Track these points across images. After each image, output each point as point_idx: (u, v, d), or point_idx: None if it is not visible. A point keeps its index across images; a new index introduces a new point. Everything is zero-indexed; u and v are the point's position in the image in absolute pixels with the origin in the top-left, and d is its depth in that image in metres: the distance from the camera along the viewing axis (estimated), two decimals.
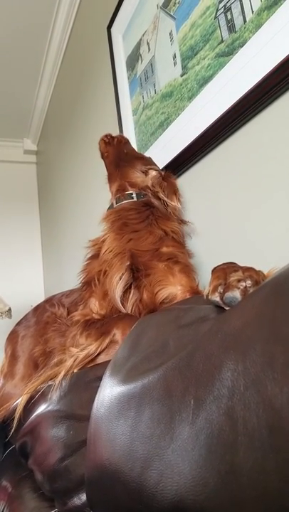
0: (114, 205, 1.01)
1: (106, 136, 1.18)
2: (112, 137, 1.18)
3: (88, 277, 0.92)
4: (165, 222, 0.95)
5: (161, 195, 1.01)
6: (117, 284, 0.82)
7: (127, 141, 1.20)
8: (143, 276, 0.82)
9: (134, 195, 1.01)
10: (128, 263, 0.84)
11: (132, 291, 0.82)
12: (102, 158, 1.18)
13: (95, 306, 0.86)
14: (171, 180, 1.07)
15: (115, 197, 1.04)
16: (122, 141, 1.18)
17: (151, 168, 1.08)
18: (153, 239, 0.89)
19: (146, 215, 0.95)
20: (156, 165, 1.15)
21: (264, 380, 0.30)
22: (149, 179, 1.03)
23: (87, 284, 0.91)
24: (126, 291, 0.83)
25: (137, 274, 0.83)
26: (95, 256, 0.94)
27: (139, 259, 0.85)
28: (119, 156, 1.12)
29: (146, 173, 1.08)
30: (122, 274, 0.83)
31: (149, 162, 1.14)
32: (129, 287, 0.83)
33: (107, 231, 0.94)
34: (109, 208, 1.05)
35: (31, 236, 3.49)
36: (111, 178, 1.12)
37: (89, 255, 0.98)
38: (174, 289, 0.81)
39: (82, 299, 0.90)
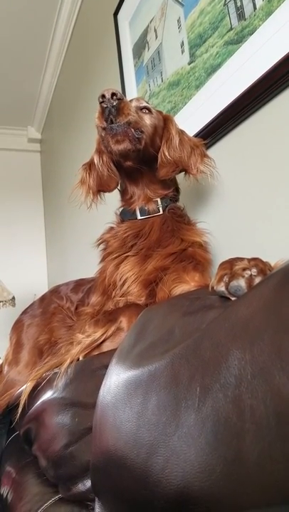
0: (138, 215, 0.92)
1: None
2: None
3: (108, 282, 0.88)
4: (189, 231, 0.90)
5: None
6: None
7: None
8: (159, 280, 0.82)
9: (160, 206, 0.91)
10: (147, 291, 0.82)
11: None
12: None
13: (109, 308, 0.86)
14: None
15: (140, 204, 0.92)
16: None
17: None
18: (176, 253, 0.85)
19: (171, 227, 0.89)
20: None
21: (272, 369, 0.30)
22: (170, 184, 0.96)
23: (104, 290, 0.89)
24: None
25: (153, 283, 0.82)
26: (116, 264, 0.88)
27: (158, 265, 0.83)
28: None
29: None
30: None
31: None
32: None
33: (129, 253, 0.88)
34: (124, 212, 0.96)
35: (35, 225, 3.49)
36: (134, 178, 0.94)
37: (107, 257, 0.91)
38: (187, 286, 0.80)
39: (98, 302, 0.88)
